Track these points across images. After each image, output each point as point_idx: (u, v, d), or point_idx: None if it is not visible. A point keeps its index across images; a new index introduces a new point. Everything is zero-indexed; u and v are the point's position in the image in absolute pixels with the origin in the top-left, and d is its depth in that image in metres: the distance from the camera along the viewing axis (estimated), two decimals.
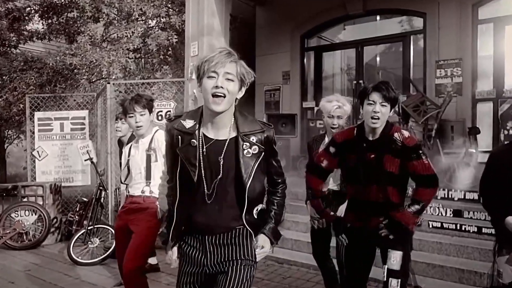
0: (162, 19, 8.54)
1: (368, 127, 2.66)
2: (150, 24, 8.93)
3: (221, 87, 1.88)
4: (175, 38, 7.96)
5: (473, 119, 7.07)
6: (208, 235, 2.04)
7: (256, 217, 2.07)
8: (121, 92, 6.94)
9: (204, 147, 1.99)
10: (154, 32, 8.10)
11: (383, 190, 2.63)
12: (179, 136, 2.00)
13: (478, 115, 7.12)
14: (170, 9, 8.41)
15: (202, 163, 1.98)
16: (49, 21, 9.19)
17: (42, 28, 9.47)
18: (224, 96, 1.90)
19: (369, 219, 2.71)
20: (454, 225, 4.99)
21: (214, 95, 1.89)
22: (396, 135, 2.63)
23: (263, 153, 2.04)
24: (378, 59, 9.93)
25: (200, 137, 2.00)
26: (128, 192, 3.54)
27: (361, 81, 8.46)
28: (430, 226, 5.13)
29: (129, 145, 3.65)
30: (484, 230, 4.68)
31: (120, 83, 6.94)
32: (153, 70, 9.68)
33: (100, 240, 5.52)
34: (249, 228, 2.05)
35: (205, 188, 2.00)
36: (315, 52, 9.35)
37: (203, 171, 1.98)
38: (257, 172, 2.01)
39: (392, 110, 2.66)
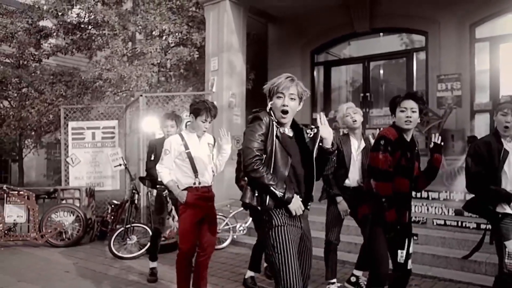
0: (183, 36, 9.13)
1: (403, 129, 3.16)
2: (170, 41, 9.55)
3: (287, 105, 2.56)
4: (197, 54, 8.58)
5: (472, 128, 7.65)
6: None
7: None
8: (146, 103, 7.50)
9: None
10: (176, 48, 8.71)
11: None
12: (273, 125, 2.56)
13: (476, 125, 7.70)
14: (191, 28, 9.04)
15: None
16: (72, 37, 9.67)
17: (66, 43, 9.89)
18: (287, 112, 2.57)
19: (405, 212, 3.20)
20: (455, 222, 5.60)
21: (282, 111, 2.56)
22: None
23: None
24: (381, 71, 10.50)
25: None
26: (199, 184, 3.80)
27: (367, 94, 9.05)
28: (435, 224, 5.75)
29: (180, 140, 3.85)
30: (482, 226, 5.20)
31: (152, 96, 7.52)
32: (171, 83, 10.22)
33: (137, 238, 6.08)
34: None
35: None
36: (324, 67, 9.97)
37: None
38: None
39: None
